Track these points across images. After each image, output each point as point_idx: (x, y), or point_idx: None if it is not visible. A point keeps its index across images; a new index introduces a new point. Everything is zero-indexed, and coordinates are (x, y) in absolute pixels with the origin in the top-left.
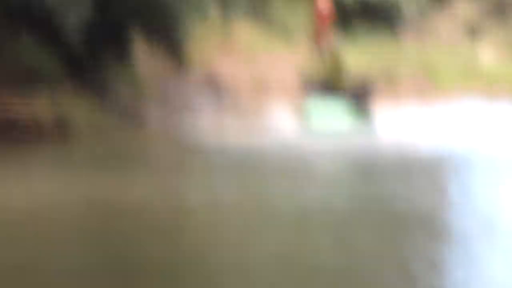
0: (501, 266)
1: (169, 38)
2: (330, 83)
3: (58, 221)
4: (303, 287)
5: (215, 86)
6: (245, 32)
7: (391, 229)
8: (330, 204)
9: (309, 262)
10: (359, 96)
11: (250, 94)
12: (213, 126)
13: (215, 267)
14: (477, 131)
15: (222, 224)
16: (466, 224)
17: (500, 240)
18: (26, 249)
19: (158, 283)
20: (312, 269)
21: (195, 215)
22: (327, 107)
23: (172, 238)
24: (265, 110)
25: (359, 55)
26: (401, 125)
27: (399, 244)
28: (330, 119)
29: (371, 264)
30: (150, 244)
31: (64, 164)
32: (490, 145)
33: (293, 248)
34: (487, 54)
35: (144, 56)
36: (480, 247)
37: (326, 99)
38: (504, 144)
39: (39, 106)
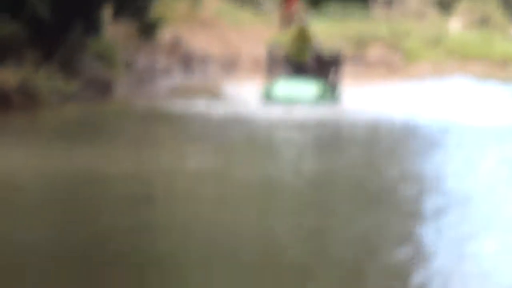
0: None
1: (136, 6)
2: (295, 55)
3: (24, 190)
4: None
5: (182, 55)
6: (213, 3)
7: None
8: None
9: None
10: (327, 66)
11: (219, 64)
12: (179, 94)
13: (181, 235)
14: (447, 101)
15: (190, 192)
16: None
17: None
18: None
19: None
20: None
21: (155, 183)
22: (293, 80)
23: (137, 207)
24: (232, 81)
25: (330, 25)
26: (371, 94)
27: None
28: (295, 90)
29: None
30: (117, 213)
31: (30, 133)
32: (459, 116)
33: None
34: (454, 24)
35: (111, 24)
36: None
37: (292, 73)
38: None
39: (4, 75)
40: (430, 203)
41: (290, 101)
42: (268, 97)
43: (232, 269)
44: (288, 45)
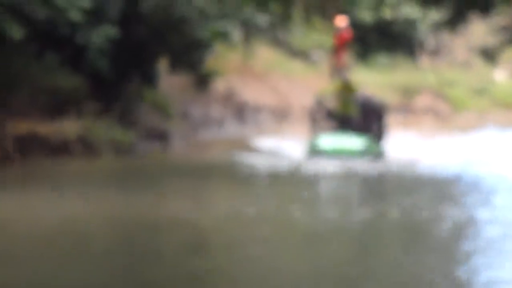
0: None
1: (192, 60)
2: (340, 108)
3: (83, 235)
4: None
5: (235, 105)
6: (265, 54)
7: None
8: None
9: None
10: (371, 118)
11: (271, 114)
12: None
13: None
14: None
15: (244, 234)
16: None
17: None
18: (51, 263)
19: None
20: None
21: (214, 228)
22: (338, 133)
23: (190, 251)
24: (282, 130)
25: (378, 75)
26: (416, 144)
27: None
28: (340, 144)
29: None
30: (170, 256)
31: (88, 180)
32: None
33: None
34: (500, 73)
35: (167, 76)
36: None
37: (337, 126)
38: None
39: (66, 125)
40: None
41: (335, 155)
42: (313, 151)
43: None
44: (333, 98)
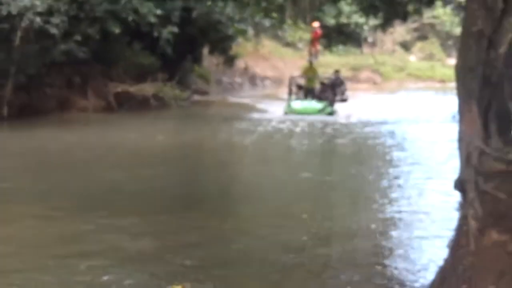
0: None
1: (223, 47)
2: (307, 83)
3: (156, 153)
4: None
5: (249, 76)
6: (268, 44)
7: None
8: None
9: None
10: (327, 89)
11: (271, 81)
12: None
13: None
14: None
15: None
16: None
17: None
18: (141, 170)
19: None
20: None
21: (229, 148)
22: (304, 100)
23: (221, 163)
24: (279, 93)
25: (337, 58)
26: (358, 104)
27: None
28: (305, 106)
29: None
30: (211, 166)
31: (161, 121)
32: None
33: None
34: (412, 57)
35: (208, 57)
36: None
37: (304, 95)
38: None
39: (146, 87)
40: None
41: (302, 113)
42: (288, 110)
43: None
44: (302, 76)
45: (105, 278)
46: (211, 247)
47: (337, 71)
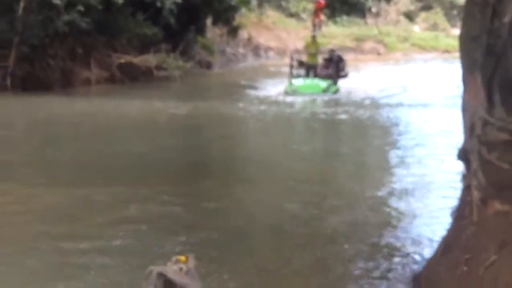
0: None
1: (227, 18)
2: (309, 60)
3: (160, 124)
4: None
5: (253, 46)
6: (272, 15)
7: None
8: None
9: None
10: (330, 66)
11: (275, 52)
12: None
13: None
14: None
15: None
16: None
17: None
18: (142, 141)
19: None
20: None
21: (230, 114)
22: (306, 78)
23: (221, 127)
24: (282, 64)
25: (341, 29)
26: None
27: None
28: (308, 86)
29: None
30: (212, 132)
31: (163, 93)
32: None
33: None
34: (416, 28)
35: (211, 27)
36: None
37: (306, 72)
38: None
39: (149, 58)
40: None
41: (304, 93)
42: (289, 89)
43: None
44: (304, 52)
45: (117, 242)
46: (219, 218)
47: (332, 51)
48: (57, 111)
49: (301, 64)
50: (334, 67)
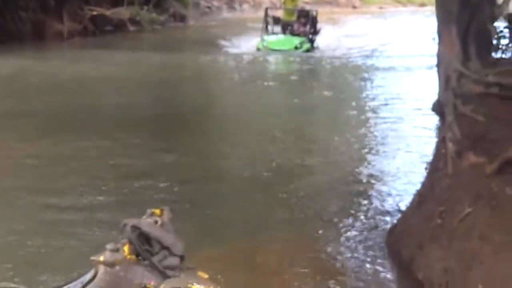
0: None
1: None
2: (285, 16)
3: (129, 79)
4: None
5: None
6: None
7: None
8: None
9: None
10: (306, 24)
11: (250, 6)
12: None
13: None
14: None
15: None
16: None
17: None
18: (109, 96)
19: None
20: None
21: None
22: (280, 35)
23: (194, 82)
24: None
25: None
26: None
27: None
28: (282, 42)
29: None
30: (185, 87)
31: (136, 46)
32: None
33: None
34: None
35: None
36: None
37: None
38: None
39: (122, 11)
40: None
41: (277, 50)
42: (261, 46)
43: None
44: (280, 8)
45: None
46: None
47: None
48: (27, 65)
49: (276, 21)
50: (311, 24)
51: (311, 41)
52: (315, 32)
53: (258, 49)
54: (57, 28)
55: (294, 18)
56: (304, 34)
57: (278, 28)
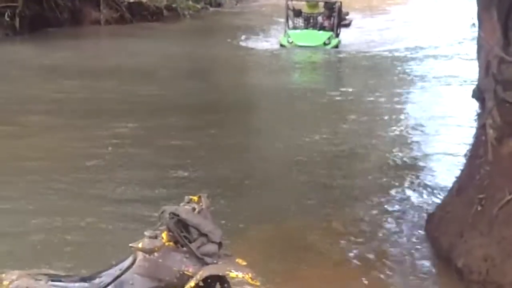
0: None
1: None
2: (309, 9)
3: (172, 65)
4: None
5: None
6: None
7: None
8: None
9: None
10: (331, 18)
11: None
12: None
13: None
14: None
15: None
16: None
17: None
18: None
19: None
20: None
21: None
22: (305, 30)
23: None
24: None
25: None
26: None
27: None
28: (306, 38)
29: None
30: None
31: (174, 33)
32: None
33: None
34: None
35: None
36: None
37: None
38: None
39: None
40: None
41: (302, 45)
42: (284, 42)
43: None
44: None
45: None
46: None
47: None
48: (64, 54)
49: (297, 13)
50: (337, 16)
51: (337, 35)
52: (340, 25)
53: (281, 46)
54: (94, 15)
55: (317, 10)
56: (330, 28)
57: (299, 22)
